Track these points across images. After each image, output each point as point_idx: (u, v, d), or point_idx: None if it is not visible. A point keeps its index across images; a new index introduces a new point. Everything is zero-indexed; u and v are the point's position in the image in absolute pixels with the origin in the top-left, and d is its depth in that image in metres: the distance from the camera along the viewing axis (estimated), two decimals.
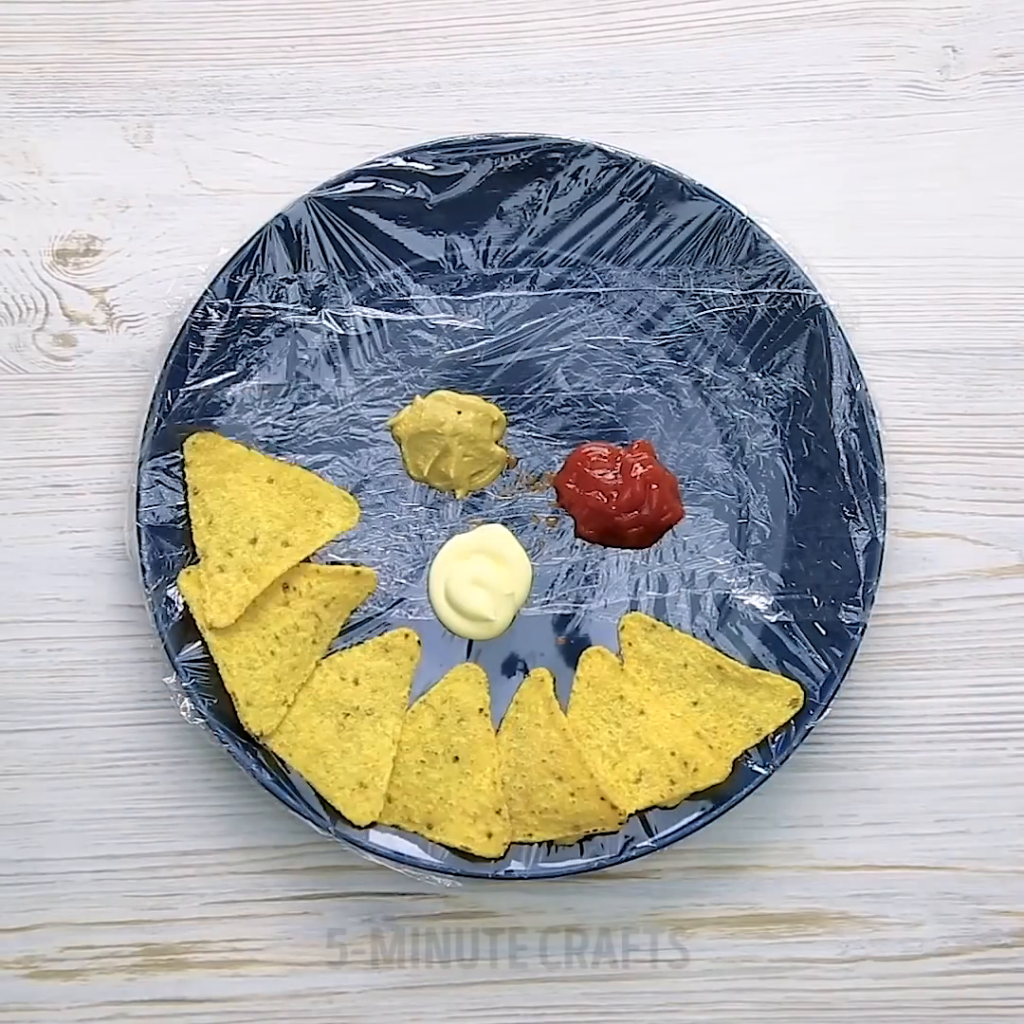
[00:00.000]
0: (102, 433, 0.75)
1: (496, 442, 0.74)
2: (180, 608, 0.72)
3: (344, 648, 0.73)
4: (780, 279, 0.73)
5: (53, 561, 0.75)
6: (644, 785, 0.71)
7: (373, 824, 0.71)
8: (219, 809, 0.75)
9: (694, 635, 0.74)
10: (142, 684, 0.75)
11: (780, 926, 0.75)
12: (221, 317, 0.73)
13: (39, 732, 0.75)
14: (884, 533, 0.72)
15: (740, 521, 0.75)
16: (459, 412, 0.73)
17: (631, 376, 0.75)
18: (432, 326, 0.75)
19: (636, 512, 0.73)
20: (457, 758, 0.72)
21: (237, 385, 0.73)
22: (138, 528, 0.72)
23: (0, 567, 0.75)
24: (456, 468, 0.74)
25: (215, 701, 0.72)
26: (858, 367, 0.72)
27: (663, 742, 0.71)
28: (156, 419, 0.72)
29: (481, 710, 0.72)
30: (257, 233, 0.72)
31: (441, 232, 0.74)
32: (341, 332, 0.74)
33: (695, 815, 0.72)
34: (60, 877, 0.75)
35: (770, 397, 0.74)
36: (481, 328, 0.75)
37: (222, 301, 0.72)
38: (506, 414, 0.75)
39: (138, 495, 0.72)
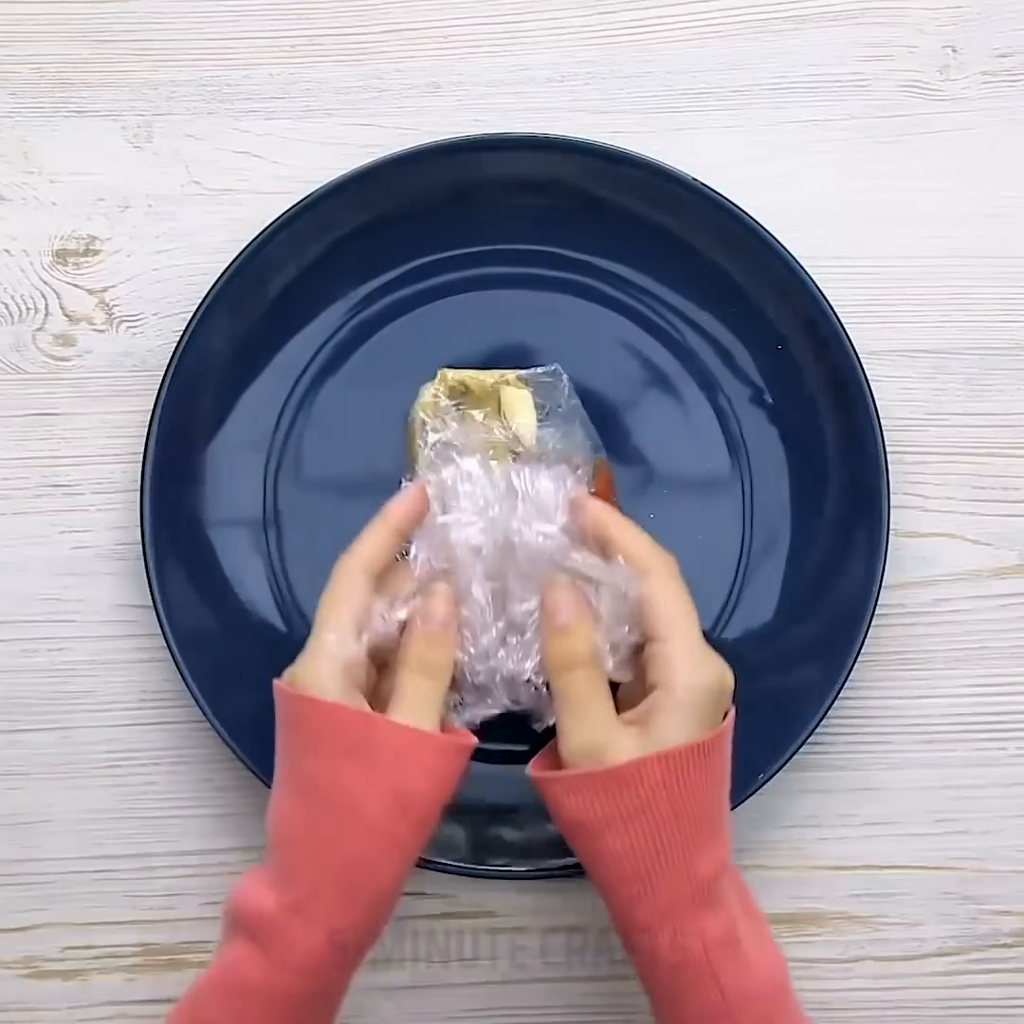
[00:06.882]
0: (102, 433, 0.75)
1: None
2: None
3: None
4: (780, 279, 0.73)
5: (53, 561, 0.75)
6: None
7: None
8: (219, 809, 0.75)
9: None
10: (142, 684, 0.75)
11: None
12: (221, 317, 0.73)
13: (39, 732, 0.75)
14: (884, 533, 0.72)
15: (740, 521, 0.75)
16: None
17: (631, 376, 0.75)
18: (432, 326, 0.75)
19: None
20: None
21: (237, 385, 0.74)
22: (140, 528, 0.72)
23: (0, 567, 0.75)
24: None
25: (216, 701, 0.72)
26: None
27: None
28: (158, 420, 0.72)
29: None
30: (258, 233, 0.72)
31: (442, 232, 0.74)
32: (342, 332, 0.74)
33: None
34: (60, 877, 0.74)
35: (771, 397, 0.75)
36: (481, 327, 0.75)
37: (222, 301, 0.72)
38: None
39: (141, 494, 0.72)
